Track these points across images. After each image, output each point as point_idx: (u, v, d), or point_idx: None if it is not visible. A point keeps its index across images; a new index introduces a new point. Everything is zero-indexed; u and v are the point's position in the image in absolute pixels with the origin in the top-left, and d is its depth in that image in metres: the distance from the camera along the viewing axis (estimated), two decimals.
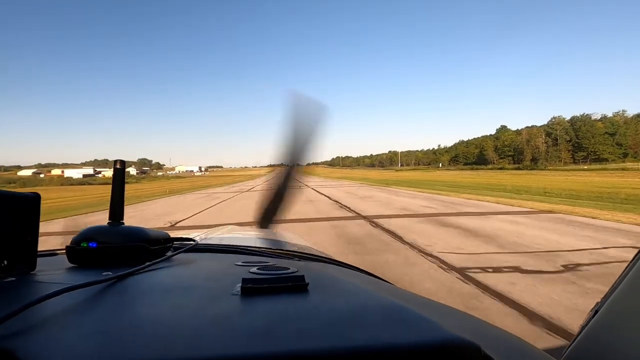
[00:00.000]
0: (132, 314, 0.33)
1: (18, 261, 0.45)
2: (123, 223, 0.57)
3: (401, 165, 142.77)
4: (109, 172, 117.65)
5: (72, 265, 0.52)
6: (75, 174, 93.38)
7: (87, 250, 0.51)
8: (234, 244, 0.81)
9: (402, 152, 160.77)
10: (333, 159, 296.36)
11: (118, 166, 0.57)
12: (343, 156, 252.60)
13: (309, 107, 0.91)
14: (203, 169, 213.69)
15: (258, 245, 0.88)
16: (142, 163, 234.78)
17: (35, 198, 0.47)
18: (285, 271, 0.43)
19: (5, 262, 0.43)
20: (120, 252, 0.52)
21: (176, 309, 0.34)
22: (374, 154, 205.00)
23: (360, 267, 0.74)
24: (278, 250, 0.78)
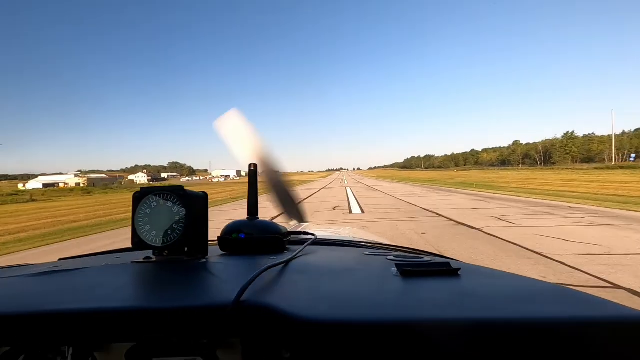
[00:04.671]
0: (321, 285, 0.43)
1: (196, 249, 0.61)
2: (258, 217, 0.72)
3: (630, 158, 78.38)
4: (72, 180, 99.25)
5: (224, 252, 0.67)
6: (35, 184, 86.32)
7: (237, 240, 0.67)
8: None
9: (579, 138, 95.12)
10: (406, 159, 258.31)
11: (252, 168, 0.71)
12: (422, 155, 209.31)
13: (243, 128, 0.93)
14: (243, 174, 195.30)
15: (354, 239, 1.04)
16: (174, 167, 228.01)
17: (205, 196, 0.63)
18: (424, 259, 0.51)
19: (186, 249, 0.60)
20: (261, 242, 0.67)
21: (353, 283, 0.43)
22: (478, 149, 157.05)
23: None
24: (382, 245, 0.90)
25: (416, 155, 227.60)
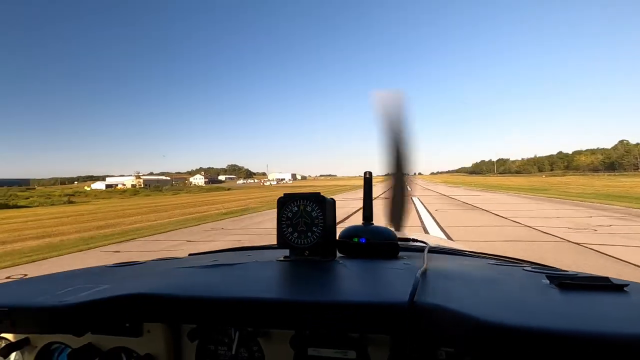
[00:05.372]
0: (480, 291, 0.43)
1: (328, 251, 0.67)
2: (373, 223, 0.76)
3: None
4: (127, 180, 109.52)
5: (342, 255, 0.71)
6: (100, 185, 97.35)
7: (358, 244, 0.71)
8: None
9: None
10: (475, 163, 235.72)
11: (367, 176, 0.76)
12: (494, 159, 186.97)
13: (400, 107, 1.00)
14: (298, 177, 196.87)
15: (456, 247, 1.08)
16: (232, 169, 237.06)
17: (334, 202, 0.70)
18: (567, 272, 0.51)
19: (307, 253, 0.66)
20: (379, 247, 0.70)
21: (512, 292, 0.43)
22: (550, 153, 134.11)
23: None
24: (495, 256, 0.89)
25: (486, 159, 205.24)
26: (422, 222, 6.97)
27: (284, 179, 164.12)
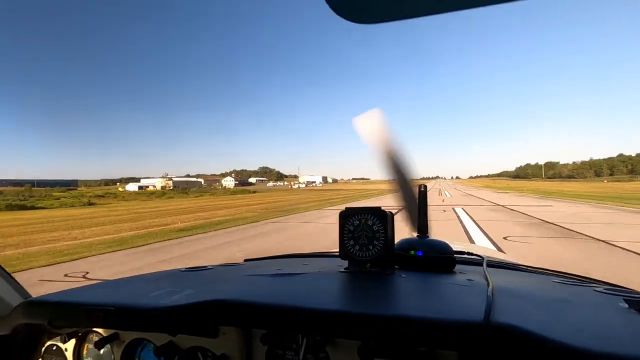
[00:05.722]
0: (555, 313, 0.43)
1: (388, 263, 0.68)
2: (428, 236, 0.76)
3: None
4: (157, 182, 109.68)
5: (398, 267, 0.72)
6: (133, 186, 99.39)
7: (415, 257, 0.71)
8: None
9: None
10: (519, 167, 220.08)
11: (422, 189, 0.77)
12: (540, 163, 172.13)
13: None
14: (330, 180, 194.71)
15: (505, 259, 1.08)
16: (263, 172, 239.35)
17: (392, 215, 0.71)
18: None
19: (368, 265, 0.68)
20: (436, 261, 0.71)
21: (588, 314, 0.43)
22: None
23: None
24: (554, 272, 0.86)
25: (532, 163, 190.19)
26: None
27: (314, 182, 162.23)
